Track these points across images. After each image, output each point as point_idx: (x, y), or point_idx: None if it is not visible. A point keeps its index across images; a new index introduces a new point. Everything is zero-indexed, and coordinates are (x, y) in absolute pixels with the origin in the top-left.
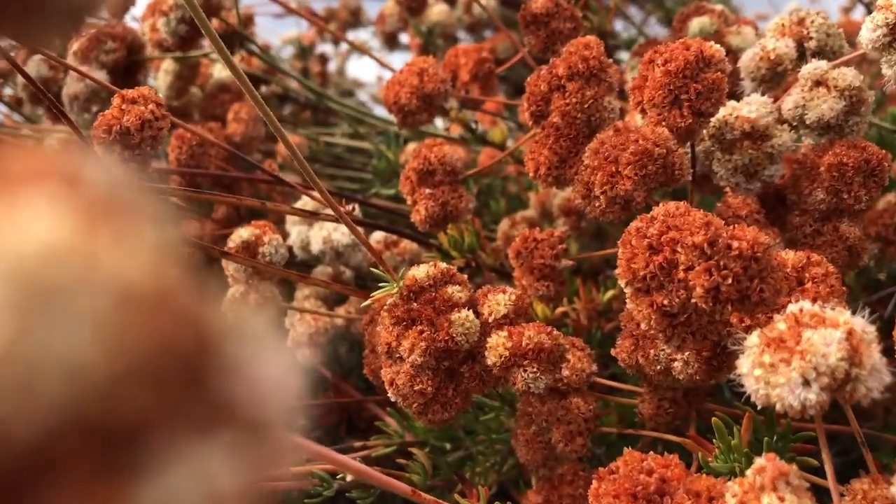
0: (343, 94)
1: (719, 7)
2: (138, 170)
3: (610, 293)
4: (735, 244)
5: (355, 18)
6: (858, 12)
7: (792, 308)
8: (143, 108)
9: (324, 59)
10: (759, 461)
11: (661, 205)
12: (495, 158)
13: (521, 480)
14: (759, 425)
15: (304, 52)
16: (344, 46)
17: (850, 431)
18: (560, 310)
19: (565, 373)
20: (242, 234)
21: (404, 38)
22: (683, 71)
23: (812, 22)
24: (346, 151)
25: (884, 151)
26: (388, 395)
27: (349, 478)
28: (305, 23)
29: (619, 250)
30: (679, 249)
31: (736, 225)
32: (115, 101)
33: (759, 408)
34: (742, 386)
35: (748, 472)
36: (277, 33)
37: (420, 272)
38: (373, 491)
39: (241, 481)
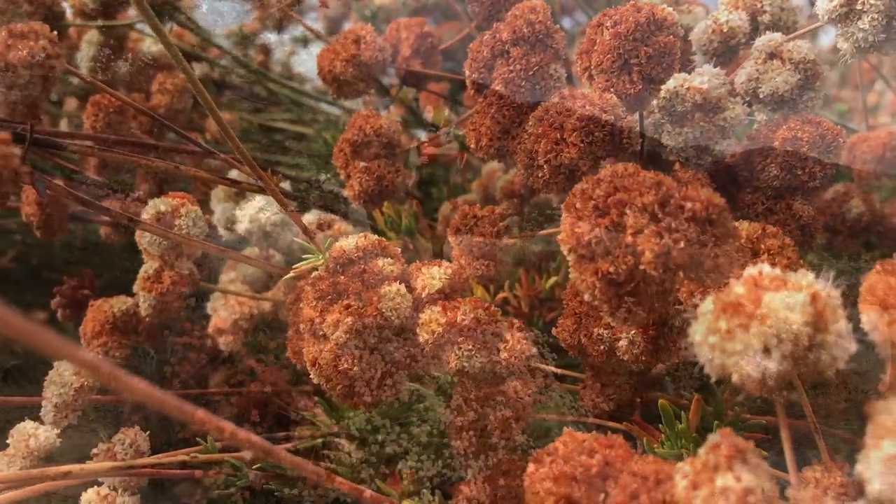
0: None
1: None
2: (26, 115)
3: (552, 280)
4: (688, 205)
5: (298, 3)
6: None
7: (750, 271)
8: (32, 43)
9: (266, 50)
10: (714, 438)
11: (608, 166)
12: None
13: (455, 473)
14: (706, 413)
15: (244, 39)
16: (287, 37)
17: (794, 424)
18: (501, 296)
19: (503, 355)
20: (158, 205)
21: (347, 26)
22: (634, 33)
23: None
24: (288, 139)
25: (839, 127)
26: (311, 376)
27: (249, 455)
28: (247, 18)
29: (563, 215)
30: (627, 212)
31: (689, 186)
32: (2, 35)
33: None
34: (689, 373)
35: (700, 451)
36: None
37: (348, 243)
38: (293, 484)
39: None
